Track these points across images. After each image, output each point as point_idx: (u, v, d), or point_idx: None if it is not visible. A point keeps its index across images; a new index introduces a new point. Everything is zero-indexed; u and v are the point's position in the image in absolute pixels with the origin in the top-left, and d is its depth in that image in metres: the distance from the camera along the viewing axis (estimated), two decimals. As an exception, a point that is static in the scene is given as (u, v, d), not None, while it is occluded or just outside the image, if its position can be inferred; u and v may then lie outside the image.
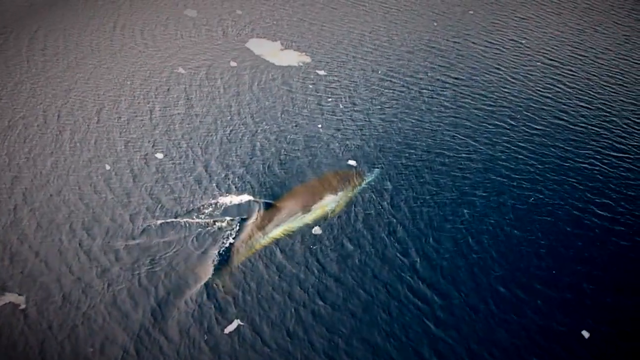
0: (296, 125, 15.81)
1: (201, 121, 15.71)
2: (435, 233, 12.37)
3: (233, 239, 12.11)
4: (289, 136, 15.33)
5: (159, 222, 12.28)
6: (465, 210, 13.06)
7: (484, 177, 14.12)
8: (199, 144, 14.75)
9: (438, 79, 18.47)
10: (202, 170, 13.86)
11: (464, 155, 14.91)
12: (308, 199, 13.07)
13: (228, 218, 12.60)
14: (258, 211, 12.83)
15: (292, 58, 19.41)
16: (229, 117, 15.97)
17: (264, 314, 10.64)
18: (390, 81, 18.26)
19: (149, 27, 20.36)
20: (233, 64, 18.68)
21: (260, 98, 16.95)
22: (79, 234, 11.89)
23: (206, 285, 11.05)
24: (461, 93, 17.73)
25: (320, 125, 15.92)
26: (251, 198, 13.19)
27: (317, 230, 12.42)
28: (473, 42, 20.84)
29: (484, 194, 13.60)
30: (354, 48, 20.11)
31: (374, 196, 13.33)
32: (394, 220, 12.67)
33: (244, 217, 12.68)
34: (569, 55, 20.26)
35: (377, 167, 14.40)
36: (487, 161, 14.73)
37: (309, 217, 12.64)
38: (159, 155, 14.25)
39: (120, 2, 21.91)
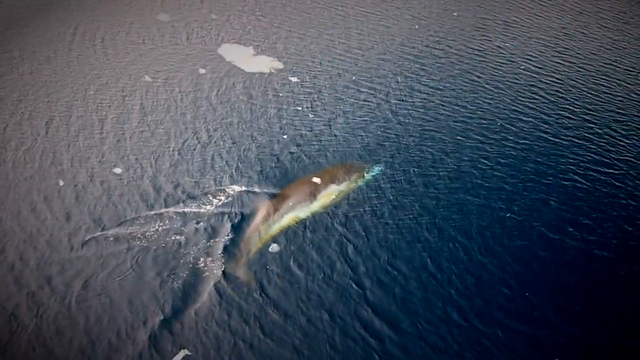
0: (258, 135, 14.96)
1: (162, 129, 14.95)
2: (390, 256, 11.41)
3: (237, 232, 11.77)
4: (244, 147, 14.44)
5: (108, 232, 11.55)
6: (426, 231, 12.11)
7: (451, 194, 13.12)
8: (155, 156, 13.97)
9: (415, 88, 17.49)
10: (157, 183, 13.11)
11: (431, 169, 13.94)
12: (312, 190, 12.89)
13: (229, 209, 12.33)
14: (261, 202, 12.54)
15: (264, 64, 18.55)
16: (188, 127, 15.15)
17: (209, 346, 9.81)
18: (364, 89, 17.33)
19: (116, 33, 19.62)
20: (202, 71, 17.88)
21: (223, 107, 16.12)
22: (11, 258, 11.11)
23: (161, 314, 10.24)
24: (437, 102, 16.74)
25: (285, 135, 15.08)
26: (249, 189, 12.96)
27: (274, 248, 11.58)
28: (454, 47, 19.86)
29: (449, 213, 12.62)
30: (329, 53, 19.23)
31: (326, 215, 12.44)
32: (346, 241, 11.75)
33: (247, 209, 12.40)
34: (553, 61, 19.18)
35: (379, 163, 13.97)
36: (457, 176, 13.73)
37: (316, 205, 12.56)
38: (117, 170, 13.49)
39: (87, 6, 21.22)
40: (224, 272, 11.00)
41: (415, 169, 13.87)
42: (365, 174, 13.59)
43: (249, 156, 14.18)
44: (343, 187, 13.10)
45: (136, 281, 10.80)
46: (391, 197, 13.00)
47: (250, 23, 20.96)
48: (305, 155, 14.31)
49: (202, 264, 11.14)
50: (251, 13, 21.73)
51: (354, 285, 10.83)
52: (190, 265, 11.08)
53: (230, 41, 19.83)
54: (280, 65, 18.51)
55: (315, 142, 14.86)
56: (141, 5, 21.81)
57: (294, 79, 17.79)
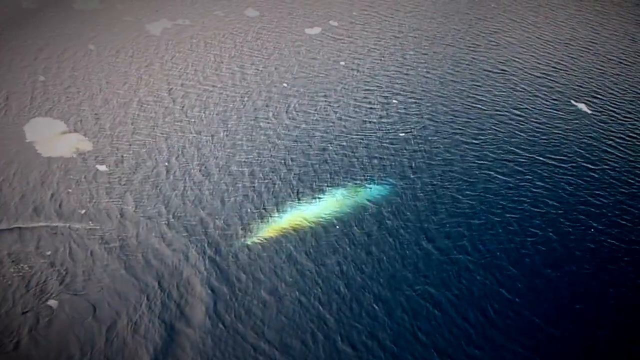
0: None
1: None
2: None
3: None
4: None
5: None
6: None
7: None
8: None
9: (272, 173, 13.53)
10: None
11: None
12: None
13: None
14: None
15: (69, 146, 14.60)
16: None
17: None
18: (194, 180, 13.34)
19: None
20: (-14, 157, 13.99)
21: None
22: None
23: None
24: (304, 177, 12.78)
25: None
26: None
27: None
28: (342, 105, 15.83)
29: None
30: (167, 131, 15.22)
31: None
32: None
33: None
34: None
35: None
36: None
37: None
38: None
39: None
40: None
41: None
42: (369, 193, 13.53)
43: None
44: (346, 199, 13.34)
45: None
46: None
47: (79, 91, 16.92)
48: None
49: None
50: (91, 75, 17.76)
51: None
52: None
53: (44, 114, 15.92)
54: (89, 147, 14.56)
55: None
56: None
57: (102, 168, 13.82)
